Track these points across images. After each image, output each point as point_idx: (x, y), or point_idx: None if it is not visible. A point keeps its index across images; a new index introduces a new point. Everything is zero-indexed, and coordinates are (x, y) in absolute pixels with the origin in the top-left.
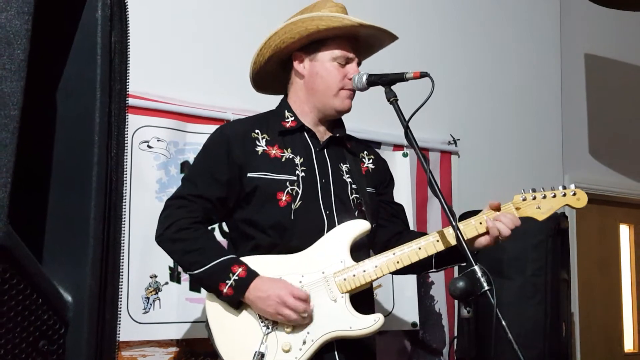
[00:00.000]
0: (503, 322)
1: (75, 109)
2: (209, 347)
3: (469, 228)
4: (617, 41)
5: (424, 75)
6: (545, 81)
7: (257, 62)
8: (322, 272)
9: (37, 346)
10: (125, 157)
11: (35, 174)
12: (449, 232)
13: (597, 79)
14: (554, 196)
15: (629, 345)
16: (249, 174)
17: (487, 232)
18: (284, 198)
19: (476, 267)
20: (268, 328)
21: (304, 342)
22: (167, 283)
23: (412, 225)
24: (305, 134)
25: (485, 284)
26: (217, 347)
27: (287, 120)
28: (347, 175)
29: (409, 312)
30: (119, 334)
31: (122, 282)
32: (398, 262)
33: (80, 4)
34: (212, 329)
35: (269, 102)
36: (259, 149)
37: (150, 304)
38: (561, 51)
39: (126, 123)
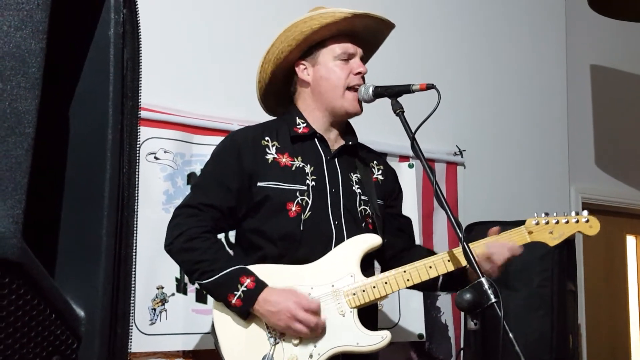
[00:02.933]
0: (510, 335)
1: (88, 126)
2: (215, 359)
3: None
4: (623, 52)
5: (430, 87)
6: (551, 92)
7: (262, 80)
8: (331, 285)
9: None
10: (137, 174)
11: (48, 190)
12: (459, 252)
13: (602, 90)
14: (567, 222)
15: (636, 357)
16: (259, 183)
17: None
18: (293, 208)
19: (483, 279)
20: (275, 339)
21: (311, 356)
22: (173, 294)
23: (418, 237)
24: (317, 140)
25: (492, 296)
26: (223, 356)
27: (298, 126)
28: (357, 186)
29: (415, 323)
30: (130, 347)
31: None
32: (408, 280)
33: (93, 22)
34: (219, 338)
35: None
36: (269, 157)
37: (157, 315)
38: (567, 62)
39: (138, 139)
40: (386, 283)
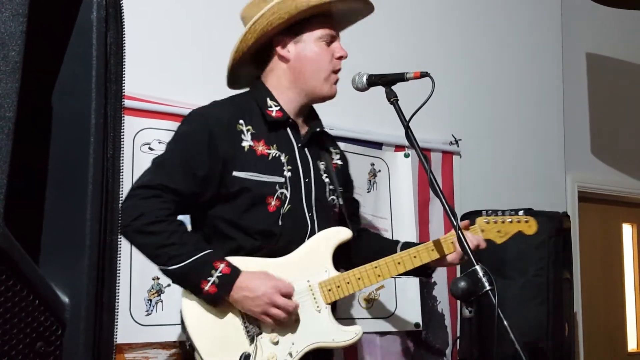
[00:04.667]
0: (505, 322)
1: (71, 111)
2: None
3: (446, 246)
4: (619, 40)
5: (424, 75)
6: (546, 81)
7: (239, 49)
8: (307, 280)
9: (34, 348)
10: (121, 159)
11: (30, 175)
12: (427, 247)
13: (598, 78)
14: (511, 222)
15: (632, 345)
16: (235, 173)
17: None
18: (273, 202)
19: (477, 267)
20: (252, 338)
21: (290, 354)
22: (169, 285)
23: (414, 226)
24: (289, 128)
25: (486, 284)
26: (199, 351)
27: (270, 108)
28: (325, 175)
29: (411, 313)
30: (116, 335)
31: (124, 284)
32: (379, 276)
33: (76, 5)
34: (192, 335)
35: None
36: (245, 145)
37: (153, 306)
38: (563, 50)
39: (122, 124)
40: (359, 279)
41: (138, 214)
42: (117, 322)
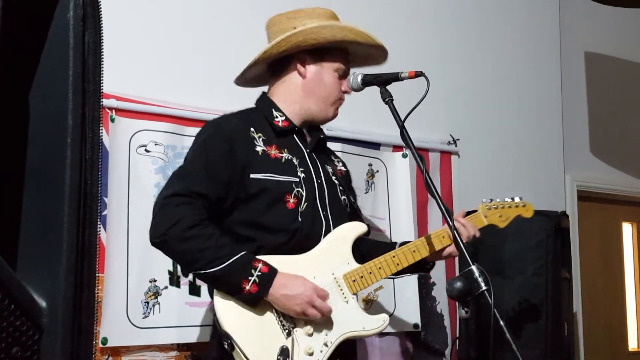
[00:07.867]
0: (501, 322)
1: (48, 111)
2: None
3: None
4: (617, 38)
5: (419, 74)
6: (545, 79)
7: (268, 52)
8: (332, 273)
9: (10, 353)
10: (100, 160)
11: (6, 177)
12: (436, 235)
13: (597, 77)
14: (510, 207)
15: (633, 344)
16: (252, 175)
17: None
18: (291, 200)
19: (474, 267)
20: (289, 331)
21: (325, 344)
22: (166, 287)
23: (412, 227)
24: (295, 135)
25: (482, 284)
26: (243, 351)
27: (277, 119)
28: (334, 177)
29: (410, 313)
30: (95, 339)
31: (121, 287)
32: (398, 264)
33: (52, 4)
34: (230, 331)
35: None
36: (259, 149)
37: (150, 309)
38: (561, 49)
39: (101, 124)
40: (380, 268)
41: (175, 221)
42: (96, 321)
